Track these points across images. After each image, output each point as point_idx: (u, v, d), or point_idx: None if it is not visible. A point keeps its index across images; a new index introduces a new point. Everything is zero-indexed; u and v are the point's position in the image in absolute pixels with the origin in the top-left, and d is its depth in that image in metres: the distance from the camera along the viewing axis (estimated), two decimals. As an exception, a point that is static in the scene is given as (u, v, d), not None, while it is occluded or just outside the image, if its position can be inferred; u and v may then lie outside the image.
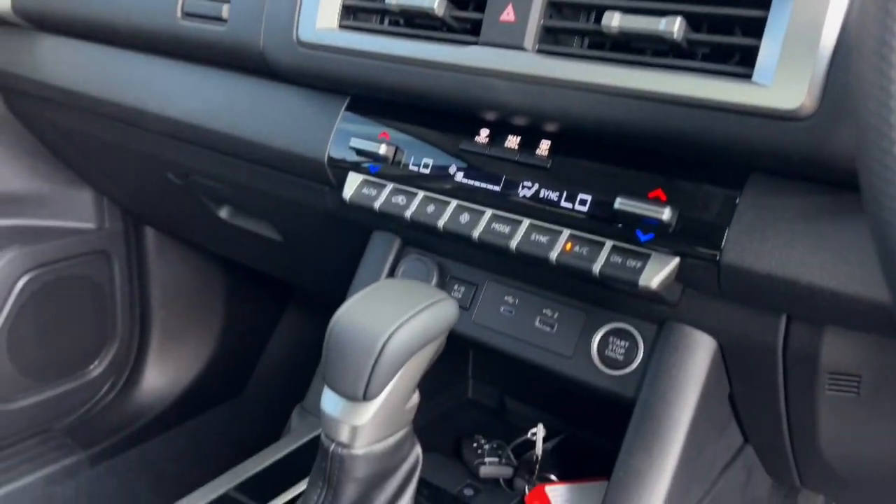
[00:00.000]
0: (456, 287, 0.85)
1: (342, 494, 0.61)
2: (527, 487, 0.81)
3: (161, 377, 1.77)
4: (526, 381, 0.99)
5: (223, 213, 1.21)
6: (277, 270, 1.42)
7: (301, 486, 0.70)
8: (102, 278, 1.65)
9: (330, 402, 0.60)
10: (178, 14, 0.94)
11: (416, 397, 0.64)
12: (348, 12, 0.81)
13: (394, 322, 0.58)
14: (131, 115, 1.07)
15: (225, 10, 0.90)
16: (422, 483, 0.77)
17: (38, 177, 1.53)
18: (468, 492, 0.82)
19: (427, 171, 0.78)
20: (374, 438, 0.61)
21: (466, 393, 1.05)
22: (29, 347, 1.54)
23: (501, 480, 0.84)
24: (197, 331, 1.78)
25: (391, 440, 0.62)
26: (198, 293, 1.76)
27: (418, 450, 0.66)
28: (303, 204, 0.97)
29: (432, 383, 0.96)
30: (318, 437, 0.63)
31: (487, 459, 0.85)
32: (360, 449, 0.60)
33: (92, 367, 1.67)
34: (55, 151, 1.50)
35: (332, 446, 0.60)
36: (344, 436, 0.60)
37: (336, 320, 0.60)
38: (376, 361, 0.57)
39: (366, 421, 0.59)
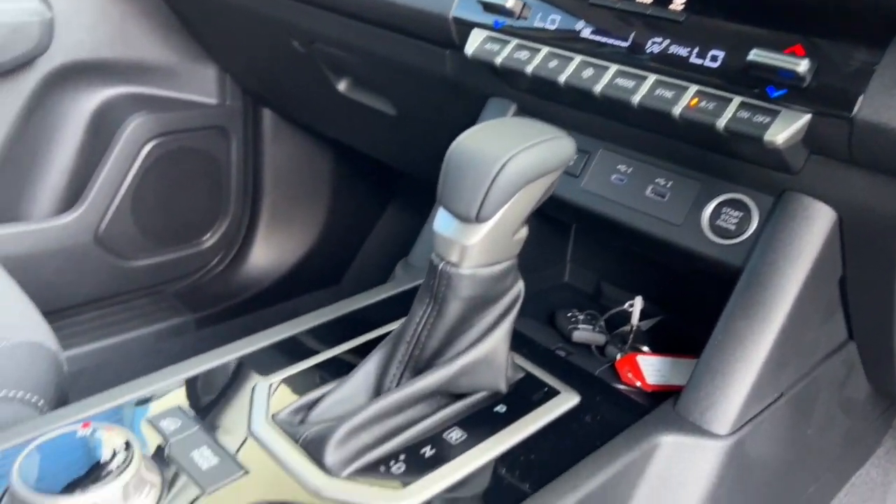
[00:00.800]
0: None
1: (447, 311, 0.64)
2: (619, 355, 0.82)
3: (266, 256, 1.86)
4: (624, 267, 0.99)
5: (342, 85, 1.24)
6: (387, 152, 1.45)
7: (394, 325, 0.73)
8: (220, 154, 1.72)
9: (443, 222, 0.63)
10: None
11: (524, 231, 0.65)
12: None
13: (513, 149, 0.60)
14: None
15: None
16: (516, 335, 0.79)
17: (168, 49, 1.61)
18: (560, 353, 0.84)
19: (553, 27, 0.77)
20: (481, 262, 0.63)
21: (563, 276, 1.06)
22: (150, 211, 1.64)
23: (593, 347, 0.85)
24: (303, 215, 1.85)
25: (497, 268, 0.64)
26: (308, 178, 1.83)
27: (521, 285, 0.68)
28: (423, 69, 0.98)
29: (530, 262, 0.98)
30: (418, 286, 0.66)
31: (581, 326, 0.86)
32: (467, 269, 0.62)
33: (205, 238, 1.77)
34: (187, 24, 1.56)
35: (442, 265, 0.63)
36: (454, 255, 0.62)
37: (457, 143, 0.61)
38: (492, 183, 0.59)
39: (475, 242, 0.61)
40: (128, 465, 0.54)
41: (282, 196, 1.83)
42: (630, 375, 0.78)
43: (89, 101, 1.57)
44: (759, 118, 0.63)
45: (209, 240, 1.78)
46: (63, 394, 0.78)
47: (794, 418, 0.77)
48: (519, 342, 0.79)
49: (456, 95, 0.97)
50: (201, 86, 1.67)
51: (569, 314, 0.89)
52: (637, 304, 0.85)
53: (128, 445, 0.56)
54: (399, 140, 1.30)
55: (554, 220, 0.97)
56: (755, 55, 0.62)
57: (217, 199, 1.76)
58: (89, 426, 0.57)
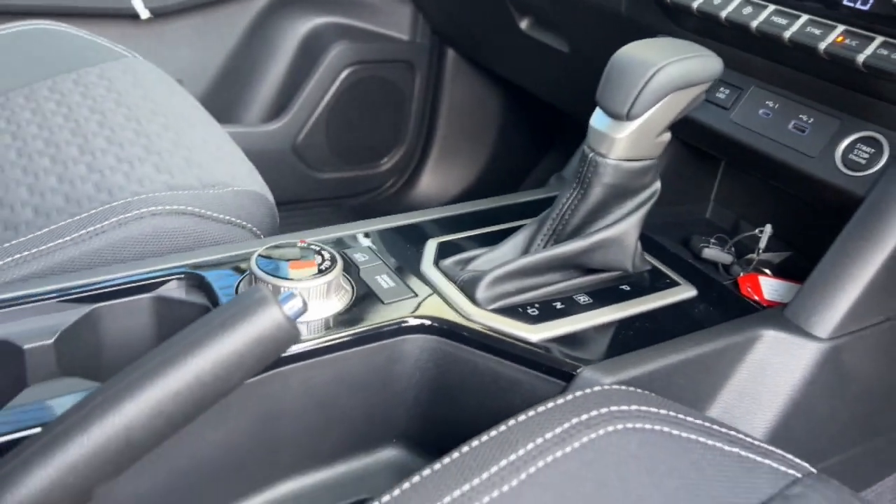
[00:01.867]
0: (721, 89, 0.94)
1: (590, 195, 0.76)
2: (742, 273, 0.91)
3: (434, 185, 2.04)
4: (762, 209, 1.07)
5: (524, 23, 1.38)
6: (556, 93, 1.57)
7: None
8: (405, 86, 1.91)
9: (598, 119, 0.75)
10: None
11: (667, 136, 0.76)
12: None
13: (666, 59, 0.71)
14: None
15: None
16: (652, 242, 0.90)
17: (371, -14, 1.81)
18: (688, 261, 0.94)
19: (721, -30, 0.87)
20: (625, 155, 0.74)
21: (706, 213, 1.15)
22: (340, 130, 1.86)
23: (720, 265, 0.94)
24: (471, 150, 2.02)
25: (638, 164, 0.76)
26: (480, 116, 1.98)
27: (658, 185, 0.79)
28: (602, 6, 1.10)
29: (676, 196, 1.08)
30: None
31: (711, 245, 0.95)
32: (612, 160, 0.74)
33: (383, 161, 1.98)
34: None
35: (592, 154, 0.75)
36: (603, 147, 0.74)
37: (620, 51, 0.73)
38: (644, 86, 0.70)
39: (623, 136, 0.73)
40: (332, 271, 0.72)
41: (454, 131, 2.00)
42: (749, 290, 0.88)
43: (301, 26, 1.80)
44: (897, 56, 0.71)
45: (386, 164, 1.98)
46: (276, 232, 0.98)
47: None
48: (652, 247, 0.90)
49: (627, 32, 1.08)
50: (396, 22, 1.86)
51: (702, 237, 0.99)
52: (766, 232, 0.93)
53: (333, 259, 0.73)
54: (569, 79, 1.42)
55: (703, 157, 1.06)
56: (901, -2, 0.70)
57: (397, 127, 1.96)
58: (305, 242, 0.76)
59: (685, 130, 0.98)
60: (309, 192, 1.90)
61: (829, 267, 0.78)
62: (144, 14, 1.50)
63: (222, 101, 1.75)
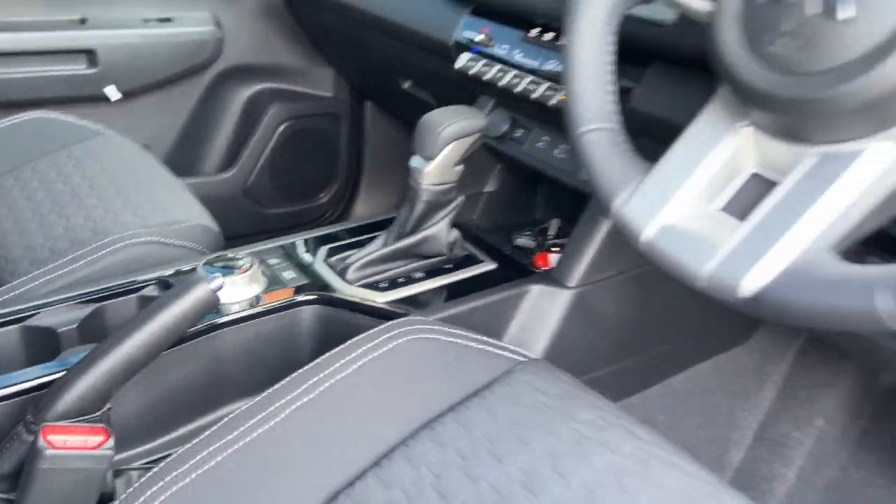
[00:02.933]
0: (519, 129, 1.37)
1: (416, 209, 1.19)
2: (538, 252, 1.34)
3: (366, 211, 2.47)
4: (566, 212, 1.50)
5: (406, 84, 1.81)
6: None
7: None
8: (333, 133, 2.34)
9: (415, 160, 1.18)
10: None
11: (461, 167, 1.19)
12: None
13: (449, 120, 1.14)
14: (363, 17, 1.70)
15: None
16: (480, 240, 1.33)
17: (299, 57, 2.23)
18: (505, 250, 1.36)
19: (503, 53, 1.31)
20: (433, 181, 1.17)
21: (534, 215, 1.58)
22: (282, 174, 2.28)
23: (529, 251, 1.37)
24: (392, 180, 2.45)
25: (443, 187, 1.18)
26: (396, 151, 2.42)
27: (461, 198, 1.22)
28: (441, 74, 1.54)
29: (508, 205, 1.51)
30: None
31: (523, 235, 1.38)
32: (425, 185, 1.17)
33: (321, 195, 2.40)
34: (314, 41, 2.19)
35: (414, 183, 1.18)
36: (420, 177, 1.17)
37: (423, 117, 1.16)
38: (437, 138, 1.14)
39: (430, 170, 1.16)
40: (250, 268, 1.13)
41: (378, 166, 2.43)
42: (540, 263, 1.30)
43: (244, 93, 2.22)
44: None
45: (324, 198, 2.41)
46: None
47: (633, 291, 1.26)
48: (477, 240, 1.32)
49: (462, 92, 1.52)
50: (321, 83, 2.30)
51: (520, 231, 1.42)
52: (554, 223, 1.36)
53: (252, 262, 1.15)
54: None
55: (524, 178, 1.49)
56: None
57: (331, 167, 2.39)
58: (234, 254, 1.17)
59: (505, 160, 1.42)
60: (261, 226, 2.31)
61: (575, 237, 1.21)
62: (115, 96, 1.92)
63: (184, 157, 2.17)
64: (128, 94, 1.95)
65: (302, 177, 2.33)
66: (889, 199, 0.59)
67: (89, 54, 1.85)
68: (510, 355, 0.99)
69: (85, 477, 0.85)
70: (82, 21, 1.86)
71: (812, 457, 1.40)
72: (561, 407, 0.86)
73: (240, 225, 2.27)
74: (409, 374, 0.93)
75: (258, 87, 2.22)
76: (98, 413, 0.90)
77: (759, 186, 0.67)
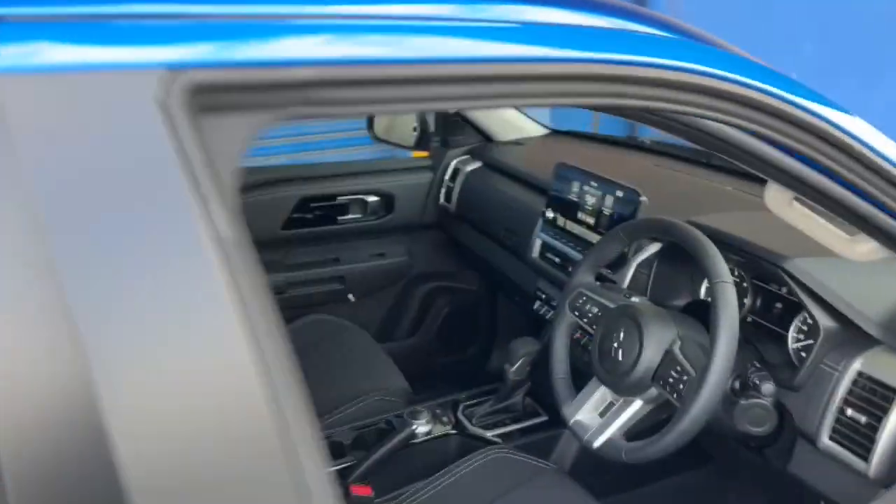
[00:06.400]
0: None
1: (513, 396, 2.42)
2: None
3: (497, 365, 3.72)
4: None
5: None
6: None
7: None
8: (477, 313, 3.64)
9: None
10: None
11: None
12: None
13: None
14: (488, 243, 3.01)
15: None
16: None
17: (453, 265, 3.58)
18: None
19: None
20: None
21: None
22: (443, 338, 3.59)
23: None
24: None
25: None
26: (517, 327, 3.67)
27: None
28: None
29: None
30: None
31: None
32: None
33: (468, 351, 3.68)
34: (462, 255, 3.53)
35: (509, 380, 2.41)
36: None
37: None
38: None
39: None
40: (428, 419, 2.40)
41: (504, 339, 3.70)
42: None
43: (423, 288, 3.57)
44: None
45: (470, 352, 3.68)
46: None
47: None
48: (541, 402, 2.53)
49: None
50: (468, 281, 3.62)
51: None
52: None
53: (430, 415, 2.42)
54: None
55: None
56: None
57: (475, 335, 3.67)
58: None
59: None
60: (430, 369, 3.62)
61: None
62: (352, 300, 3.35)
63: (384, 329, 3.54)
64: (358, 298, 3.37)
65: (456, 340, 3.60)
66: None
67: (341, 280, 3.29)
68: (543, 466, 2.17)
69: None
70: (336, 259, 3.31)
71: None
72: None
73: (417, 370, 3.59)
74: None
75: (431, 285, 3.55)
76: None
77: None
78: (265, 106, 0.67)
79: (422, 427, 2.35)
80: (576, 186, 2.41)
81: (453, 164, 3.28)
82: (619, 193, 2.20)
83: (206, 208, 0.60)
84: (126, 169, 0.59)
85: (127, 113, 0.59)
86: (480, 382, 2.66)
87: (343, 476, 2.19)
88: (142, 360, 0.58)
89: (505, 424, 2.43)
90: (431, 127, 3.37)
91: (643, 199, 2.12)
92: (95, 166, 0.58)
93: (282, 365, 0.63)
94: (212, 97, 0.63)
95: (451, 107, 0.82)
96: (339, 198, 3.23)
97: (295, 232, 3.20)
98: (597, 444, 1.77)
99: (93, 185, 0.58)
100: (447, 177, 3.28)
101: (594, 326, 1.89)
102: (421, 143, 3.31)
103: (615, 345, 1.75)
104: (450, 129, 3.36)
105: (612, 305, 1.85)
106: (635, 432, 1.78)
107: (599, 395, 1.86)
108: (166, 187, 0.59)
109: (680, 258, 1.92)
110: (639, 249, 2.11)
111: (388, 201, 3.30)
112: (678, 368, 1.61)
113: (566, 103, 0.84)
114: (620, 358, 1.73)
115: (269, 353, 0.61)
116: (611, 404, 1.83)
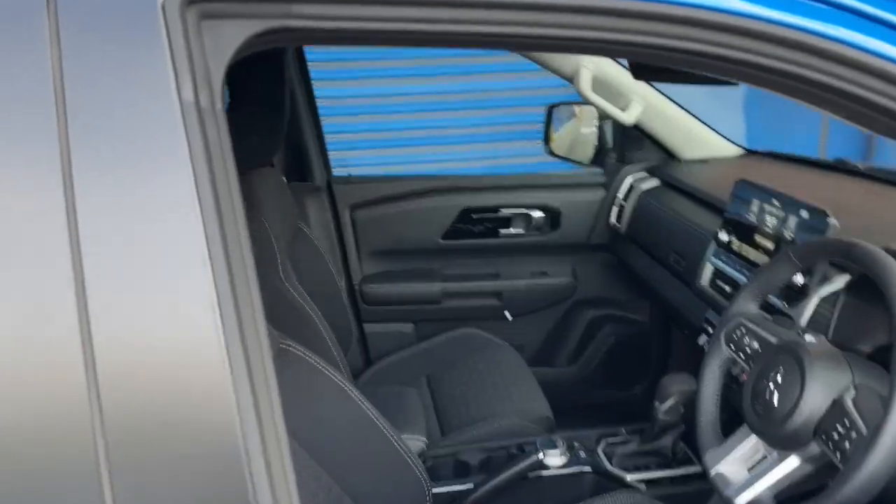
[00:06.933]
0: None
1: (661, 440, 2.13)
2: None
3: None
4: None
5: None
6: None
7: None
8: (646, 347, 3.33)
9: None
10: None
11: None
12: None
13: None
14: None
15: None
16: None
17: (623, 291, 3.30)
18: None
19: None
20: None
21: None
22: (607, 371, 3.30)
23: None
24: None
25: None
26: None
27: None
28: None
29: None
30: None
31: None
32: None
33: (634, 389, 3.37)
34: (633, 279, 3.24)
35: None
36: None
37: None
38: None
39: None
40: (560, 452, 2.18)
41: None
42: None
43: (588, 314, 3.32)
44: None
45: (637, 390, 3.37)
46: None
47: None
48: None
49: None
50: (639, 311, 3.31)
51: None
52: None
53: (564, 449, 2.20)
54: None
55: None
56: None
57: (644, 371, 3.35)
58: (555, 437, 2.24)
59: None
60: (586, 402, 3.35)
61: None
62: (510, 318, 3.19)
63: (539, 356, 3.33)
64: (515, 317, 3.19)
65: (622, 374, 3.31)
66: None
67: (498, 296, 3.14)
68: None
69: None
70: (495, 274, 3.16)
71: None
72: None
73: (571, 401, 3.33)
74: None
75: (597, 312, 3.29)
76: None
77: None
78: (254, 16, 0.77)
79: (554, 459, 2.12)
80: (755, 206, 2.09)
81: (628, 180, 3.02)
82: (805, 214, 1.86)
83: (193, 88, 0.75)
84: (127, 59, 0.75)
85: (136, 14, 0.75)
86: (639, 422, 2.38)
87: (459, 499, 2.03)
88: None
89: (648, 469, 2.14)
90: (610, 143, 3.15)
91: (832, 220, 1.77)
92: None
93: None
94: (208, 5, 0.75)
95: (439, 31, 0.88)
96: (503, 210, 3.10)
97: (455, 242, 3.11)
98: (739, 501, 1.46)
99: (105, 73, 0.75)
100: (620, 195, 3.02)
101: (751, 363, 1.58)
102: (597, 159, 3.10)
103: (771, 386, 1.45)
104: (629, 145, 3.11)
105: (774, 340, 1.54)
106: (789, 497, 1.45)
107: (751, 445, 1.55)
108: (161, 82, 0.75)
109: (879, 294, 1.56)
110: (824, 280, 1.75)
111: (553, 217, 3.12)
112: (846, 422, 1.28)
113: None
114: (776, 403, 1.42)
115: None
116: (763, 458, 1.52)
